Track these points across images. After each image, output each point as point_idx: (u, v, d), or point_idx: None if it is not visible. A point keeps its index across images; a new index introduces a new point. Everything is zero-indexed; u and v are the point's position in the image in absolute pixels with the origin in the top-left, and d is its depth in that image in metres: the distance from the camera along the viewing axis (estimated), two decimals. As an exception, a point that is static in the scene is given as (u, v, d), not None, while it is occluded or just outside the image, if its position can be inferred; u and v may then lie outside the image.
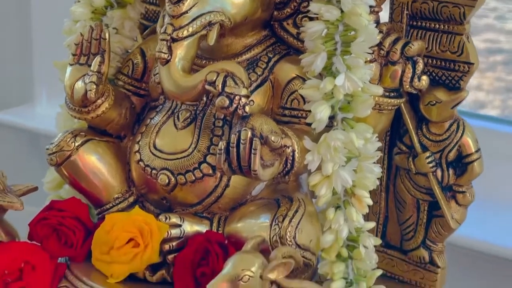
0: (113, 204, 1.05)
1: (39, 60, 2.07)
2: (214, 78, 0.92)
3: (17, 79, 2.14)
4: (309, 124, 0.95)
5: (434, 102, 1.03)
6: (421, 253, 1.10)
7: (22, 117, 2.09)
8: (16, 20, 2.09)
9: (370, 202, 0.97)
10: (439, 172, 1.05)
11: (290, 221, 0.94)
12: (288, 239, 0.94)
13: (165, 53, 0.94)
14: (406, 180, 1.08)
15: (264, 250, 0.91)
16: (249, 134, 0.90)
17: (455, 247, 1.40)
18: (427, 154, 1.05)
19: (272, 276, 0.87)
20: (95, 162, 1.05)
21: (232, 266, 0.86)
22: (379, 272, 1.00)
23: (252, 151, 0.90)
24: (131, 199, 1.05)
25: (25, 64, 2.10)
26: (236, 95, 0.91)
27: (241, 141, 0.90)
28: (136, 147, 1.03)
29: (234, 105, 0.91)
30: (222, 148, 0.91)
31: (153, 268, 1.00)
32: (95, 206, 1.07)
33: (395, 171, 1.10)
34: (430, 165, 1.05)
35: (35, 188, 1.10)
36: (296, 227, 0.94)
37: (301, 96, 0.98)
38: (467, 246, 1.44)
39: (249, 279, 0.86)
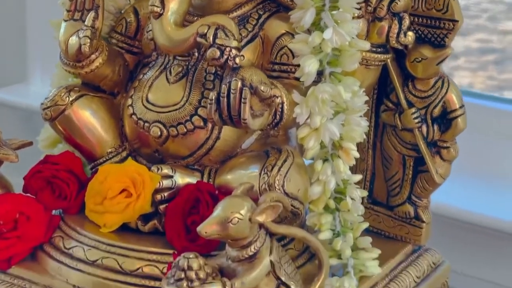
0: (106, 158, 1.07)
1: (34, 40, 2.09)
2: (206, 31, 0.95)
3: (12, 58, 2.16)
4: (298, 79, 0.98)
5: (420, 59, 1.06)
6: (407, 208, 1.13)
7: (16, 95, 2.11)
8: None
9: (357, 155, 1.00)
10: (424, 128, 1.08)
11: (278, 170, 0.97)
12: (277, 188, 0.96)
13: (157, 7, 0.97)
14: (392, 136, 1.11)
15: (254, 199, 0.94)
16: (239, 84, 0.92)
17: (455, 221, 1.44)
18: (413, 110, 1.07)
19: (260, 218, 0.89)
20: (89, 117, 1.07)
21: (222, 209, 0.89)
22: (365, 225, 1.03)
23: (242, 100, 0.92)
24: (124, 154, 1.07)
25: (19, 43, 2.12)
26: (227, 46, 0.94)
27: (231, 91, 0.92)
28: (129, 101, 1.05)
29: (225, 57, 0.94)
30: (213, 98, 0.94)
31: (145, 218, 1.02)
32: (89, 161, 1.09)
33: (382, 128, 1.13)
34: (416, 120, 1.07)
35: (30, 143, 1.12)
36: (285, 176, 0.97)
37: (290, 51, 1.01)
38: (468, 220, 1.48)
39: (238, 221, 0.88)
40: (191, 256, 0.88)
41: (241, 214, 0.88)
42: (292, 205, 0.97)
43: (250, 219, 0.89)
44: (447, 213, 1.46)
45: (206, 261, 0.89)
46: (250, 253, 0.89)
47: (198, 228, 0.88)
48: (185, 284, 0.87)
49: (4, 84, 2.14)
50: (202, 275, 0.88)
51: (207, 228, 0.88)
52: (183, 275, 0.87)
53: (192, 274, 0.87)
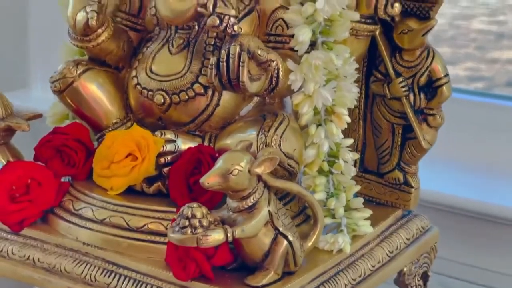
0: (112, 128, 1.13)
1: (35, 46, 2.14)
2: (206, 1, 1.02)
3: (13, 64, 2.21)
4: (292, 49, 1.05)
5: (406, 30, 1.12)
6: (396, 174, 1.19)
7: (18, 100, 2.15)
8: (12, 5, 2.16)
9: (349, 119, 1.06)
10: (411, 96, 1.15)
11: (275, 131, 1.03)
12: (274, 147, 1.02)
13: (160, -20, 1.04)
14: (382, 106, 1.17)
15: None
16: (238, 49, 0.99)
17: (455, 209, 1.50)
18: (400, 79, 1.14)
19: (259, 170, 0.95)
20: (95, 89, 1.13)
21: (223, 161, 0.95)
22: (357, 187, 1.09)
23: (241, 64, 0.99)
24: (128, 124, 1.13)
25: (21, 49, 2.17)
26: (226, 15, 1.01)
27: (230, 55, 0.99)
28: (134, 72, 1.11)
29: (224, 24, 1.01)
30: (213, 63, 1.01)
31: (149, 181, 1.08)
32: (95, 131, 1.15)
33: (372, 100, 1.19)
34: (403, 89, 1.14)
35: (40, 115, 1.19)
36: (281, 136, 1.03)
37: (285, 23, 1.08)
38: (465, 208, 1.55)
39: (238, 172, 0.94)
40: (194, 205, 0.94)
41: (241, 166, 0.94)
42: (288, 164, 1.03)
43: (249, 171, 0.95)
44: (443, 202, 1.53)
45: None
46: (250, 204, 0.95)
47: (201, 180, 0.94)
48: (189, 231, 0.93)
49: (6, 89, 2.18)
50: (205, 223, 0.93)
51: (209, 179, 0.94)
52: (187, 223, 0.93)
53: (195, 222, 0.93)
